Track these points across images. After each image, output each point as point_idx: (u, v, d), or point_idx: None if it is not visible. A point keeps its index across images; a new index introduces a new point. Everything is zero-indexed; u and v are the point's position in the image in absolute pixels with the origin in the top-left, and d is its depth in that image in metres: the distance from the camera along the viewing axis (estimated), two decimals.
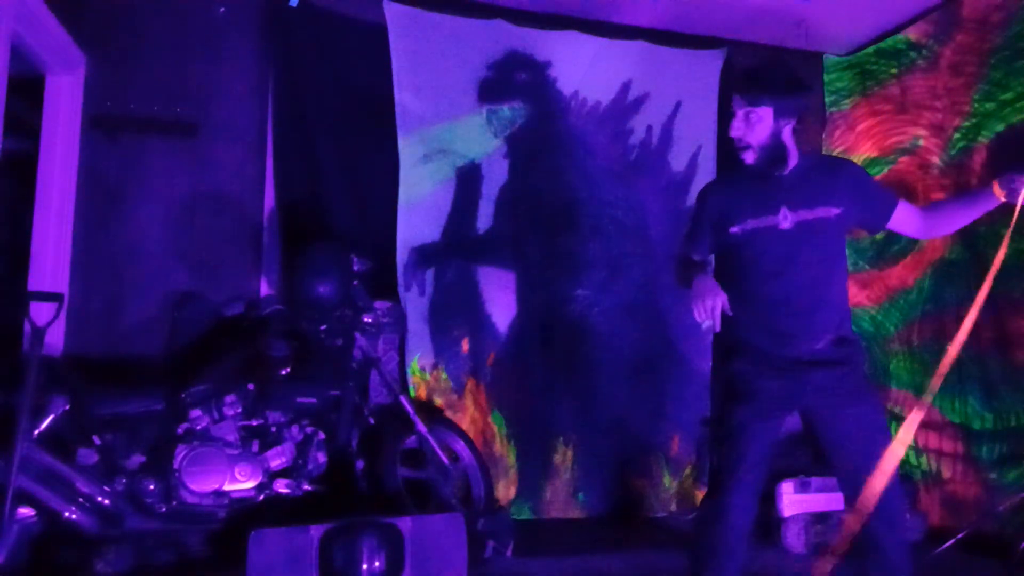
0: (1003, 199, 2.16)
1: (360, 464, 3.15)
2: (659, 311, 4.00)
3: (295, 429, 2.99)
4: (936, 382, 2.29)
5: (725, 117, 2.24)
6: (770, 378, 2.15)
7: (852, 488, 2.17)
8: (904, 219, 2.26)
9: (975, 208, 2.28)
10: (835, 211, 2.16)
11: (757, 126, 2.14)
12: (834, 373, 2.13)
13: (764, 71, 2.20)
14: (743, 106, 2.14)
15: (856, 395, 2.15)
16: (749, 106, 2.13)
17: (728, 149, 2.23)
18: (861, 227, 2.34)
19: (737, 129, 2.15)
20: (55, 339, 3.26)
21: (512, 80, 3.93)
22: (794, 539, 3.45)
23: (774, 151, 2.16)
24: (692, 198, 4.08)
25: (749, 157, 2.16)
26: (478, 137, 3.88)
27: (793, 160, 2.19)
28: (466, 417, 3.73)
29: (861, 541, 2.18)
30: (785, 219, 2.16)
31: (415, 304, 3.70)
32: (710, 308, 2.02)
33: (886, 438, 2.18)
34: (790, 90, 2.17)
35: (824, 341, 2.14)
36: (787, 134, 2.16)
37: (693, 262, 2.31)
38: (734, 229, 2.19)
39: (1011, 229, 2.18)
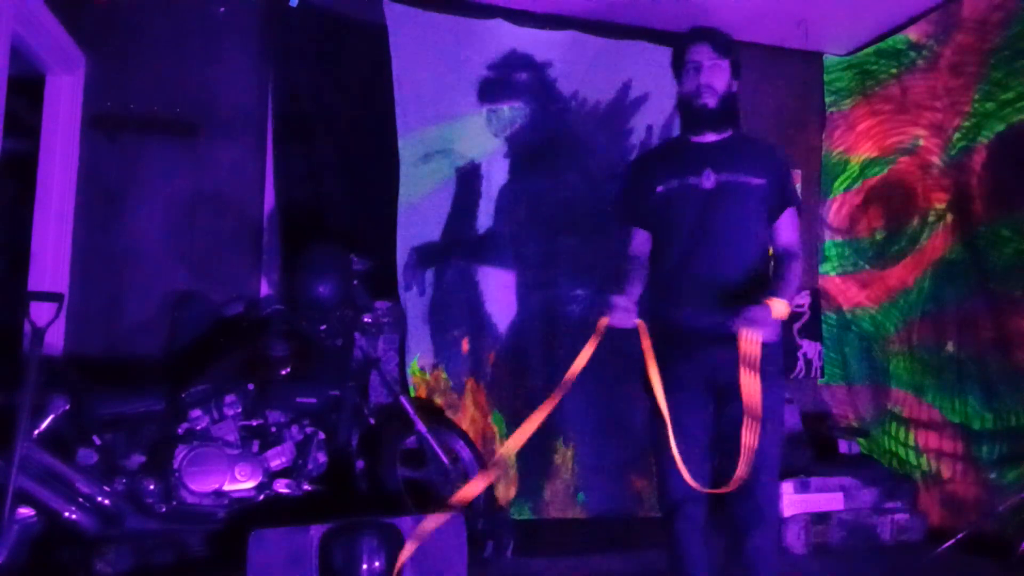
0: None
1: (360, 464, 3.15)
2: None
3: (295, 429, 2.99)
4: None
5: (680, 75, 2.35)
6: (680, 362, 2.18)
7: (728, 474, 2.14)
8: (782, 227, 2.31)
9: None
10: (757, 181, 2.24)
11: (721, 75, 2.28)
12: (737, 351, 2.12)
13: (720, 31, 2.35)
14: (712, 57, 2.27)
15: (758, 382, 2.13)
16: (718, 57, 2.27)
17: (687, 105, 2.31)
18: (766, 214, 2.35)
19: (705, 76, 2.26)
20: (55, 339, 3.26)
21: (512, 80, 3.93)
22: (794, 539, 3.45)
23: (729, 101, 2.29)
24: None
25: (712, 101, 2.26)
26: (478, 137, 3.88)
27: (728, 127, 2.31)
28: (466, 417, 3.73)
29: (728, 534, 2.18)
30: (708, 179, 2.24)
31: (415, 304, 3.70)
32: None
33: (775, 429, 2.18)
34: (738, 52, 2.34)
35: (732, 311, 2.13)
36: (735, 90, 2.32)
37: (629, 264, 2.36)
38: (660, 188, 2.29)
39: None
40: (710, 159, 2.26)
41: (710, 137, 2.31)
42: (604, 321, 2.14)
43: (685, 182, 2.26)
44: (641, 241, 2.38)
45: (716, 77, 2.27)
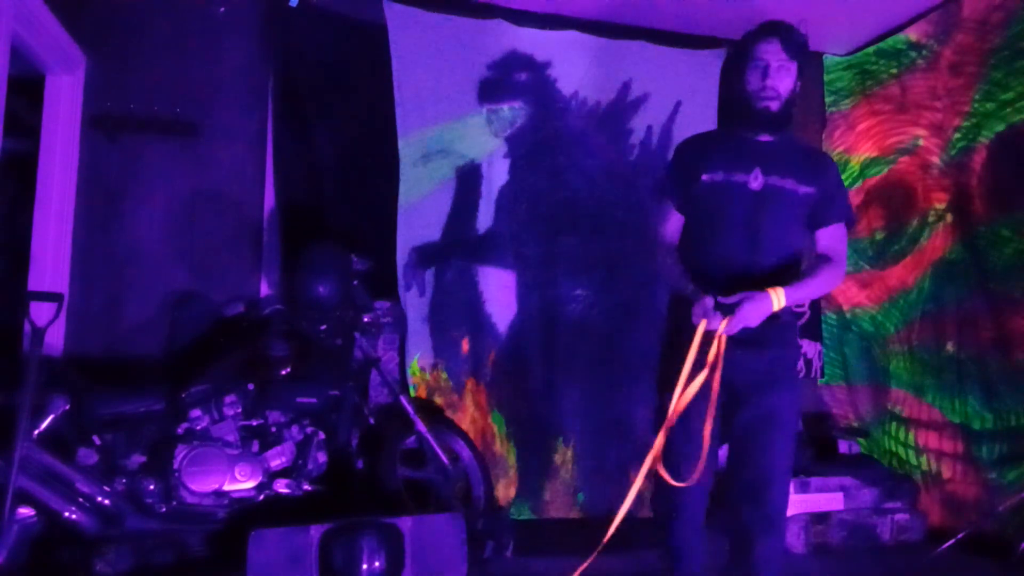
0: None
1: (360, 464, 3.15)
2: (659, 311, 4.00)
3: (295, 429, 2.99)
4: None
5: (743, 68, 2.23)
6: (699, 370, 2.11)
7: (740, 478, 2.15)
8: (827, 235, 2.25)
9: None
10: (804, 189, 2.18)
11: (787, 79, 2.18)
12: (762, 356, 2.12)
13: (795, 30, 2.20)
14: (782, 58, 2.16)
15: (776, 385, 2.13)
16: (787, 59, 2.16)
17: (745, 103, 2.21)
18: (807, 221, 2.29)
19: (772, 78, 2.16)
20: (55, 339, 3.26)
21: (512, 80, 3.93)
22: (794, 539, 3.45)
23: (790, 106, 2.21)
24: None
25: (775, 105, 2.17)
26: (478, 137, 3.88)
27: (784, 130, 2.25)
28: (466, 417, 3.73)
29: (734, 538, 2.16)
30: (756, 180, 2.17)
31: (415, 304, 3.70)
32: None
33: (790, 436, 2.16)
34: (808, 53, 2.23)
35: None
36: (797, 92, 2.22)
37: (672, 256, 2.28)
38: (705, 177, 2.21)
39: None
40: (761, 158, 2.19)
41: (764, 136, 2.24)
42: (704, 324, 2.06)
43: (732, 178, 2.18)
44: (675, 226, 2.30)
45: (782, 80, 2.17)
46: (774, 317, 2.14)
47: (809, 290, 2.21)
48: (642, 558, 3.14)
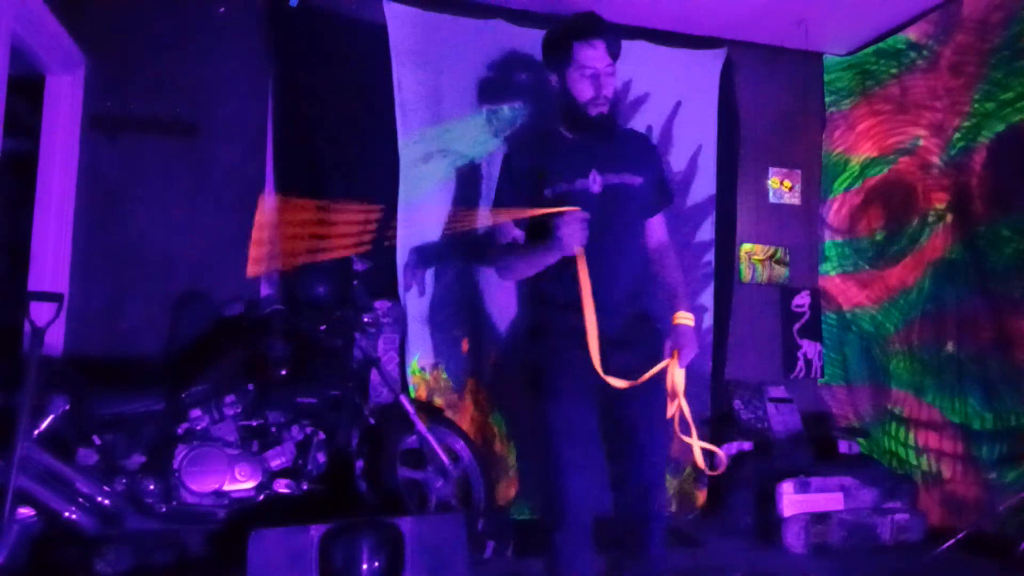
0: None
1: (360, 464, 3.15)
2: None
3: (295, 429, 3.00)
4: None
5: (567, 72, 2.12)
6: (576, 366, 2.08)
7: (629, 477, 2.14)
8: (657, 224, 2.27)
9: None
10: (638, 180, 2.15)
11: (613, 81, 2.12)
12: (633, 355, 2.09)
13: (612, 28, 2.12)
14: (608, 63, 2.08)
15: (651, 382, 2.09)
16: (612, 61, 2.09)
17: (578, 111, 2.12)
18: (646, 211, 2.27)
19: (604, 86, 2.08)
20: (55, 339, 3.26)
21: (512, 80, 3.93)
22: (794, 539, 3.45)
23: (617, 103, 2.16)
24: (692, 198, 4.12)
25: (606, 108, 2.11)
26: (478, 137, 3.88)
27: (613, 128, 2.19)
28: (466, 417, 3.73)
29: (621, 533, 2.15)
30: (595, 183, 2.12)
31: (415, 304, 3.70)
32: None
33: (663, 430, 2.16)
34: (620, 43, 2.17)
35: (623, 316, 2.10)
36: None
37: (511, 235, 2.17)
38: (547, 192, 2.11)
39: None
40: (594, 158, 2.12)
41: (597, 137, 2.15)
42: (580, 250, 2.00)
43: (574, 186, 2.10)
44: (517, 237, 2.20)
45: (610, 85, 2.09)
46: (643, 318, 2.16)
47: (689, 293, 2.23)
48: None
